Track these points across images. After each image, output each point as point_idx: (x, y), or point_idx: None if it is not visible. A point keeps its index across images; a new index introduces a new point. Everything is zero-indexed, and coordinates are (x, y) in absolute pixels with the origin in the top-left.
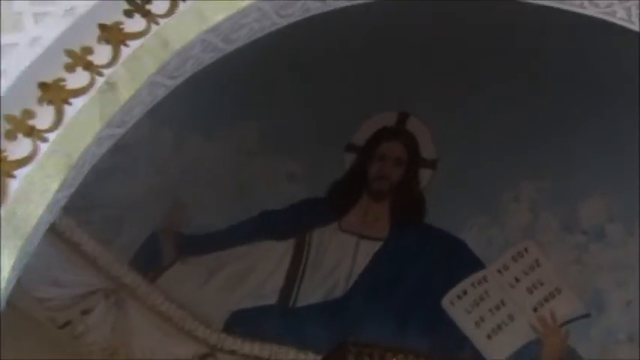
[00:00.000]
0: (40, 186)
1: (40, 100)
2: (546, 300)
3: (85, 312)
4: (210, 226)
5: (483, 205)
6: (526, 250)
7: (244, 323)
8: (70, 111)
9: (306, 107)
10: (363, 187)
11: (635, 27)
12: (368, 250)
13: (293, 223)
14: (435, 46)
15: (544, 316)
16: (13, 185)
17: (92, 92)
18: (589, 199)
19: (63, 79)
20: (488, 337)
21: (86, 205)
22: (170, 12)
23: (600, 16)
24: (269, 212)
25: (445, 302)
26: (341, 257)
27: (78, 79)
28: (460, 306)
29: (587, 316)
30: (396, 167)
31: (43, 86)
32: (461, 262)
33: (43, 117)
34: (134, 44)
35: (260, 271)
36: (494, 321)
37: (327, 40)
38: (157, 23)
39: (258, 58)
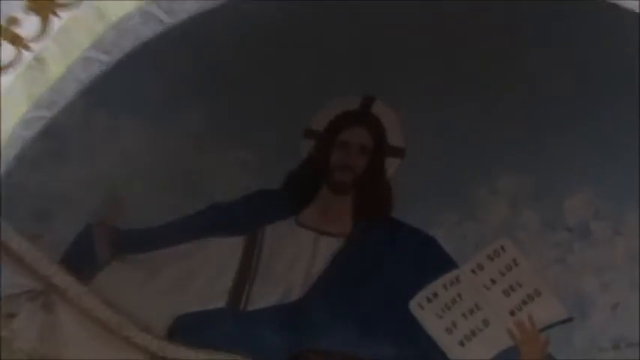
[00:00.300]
0: None
1: None
2: (525, 303)
3: (10, 316)
4: (151, 220)
5: (457, 198)
6: (503, 248)
7: (190, 329)
8: None
9: (260, 89)
10: (323, 177)
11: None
12: (328, 247)
13: (244, 217)
14: (405, 24)
15: (522, 320)
16: None
17: (18, 69)
18: (573, 193)
19: None
20: (461, 343)
21: (11, 195)
22: None
23: None
24: (217, 205)
25: (413, 305)
26: (298, 255)
27: (2, 54)
28: (430, 310)
29: (569, 320)
30: (359, 156)
31: None
32: (431, 261)
33: None
34: (65, 15)
35: (207, 271)
36: (467, 326)
37: (283, 17)
38: None
39: (206, 35)
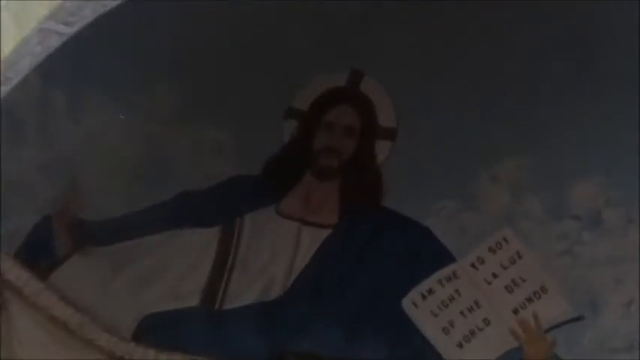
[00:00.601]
0: None
1: None
2: (529, 300)
3: None
4: (117, 210)
5: (454, 185)
6: (505, 239)
7: (159, 330)
8: None
9: (236, 64)
10: (307, 162)
11: None
12: (313, 239)
13: (220, 206)
14: None
15: (526, 319)
16: None
17: None
18: (582, 179)
19: None
20: (459, 345)
21: None
22: None
23: None
24: (189, 193)
25: (407, 303)
26: (279, 248)
27: None
28: (425, 308)
29: (578, 319)
30: (347, 138)
31: None
32: (426, 254)
33: None
34: None
35: (179, 266)
36: (466, 326)
37: None
38: None
39: (178, 7)
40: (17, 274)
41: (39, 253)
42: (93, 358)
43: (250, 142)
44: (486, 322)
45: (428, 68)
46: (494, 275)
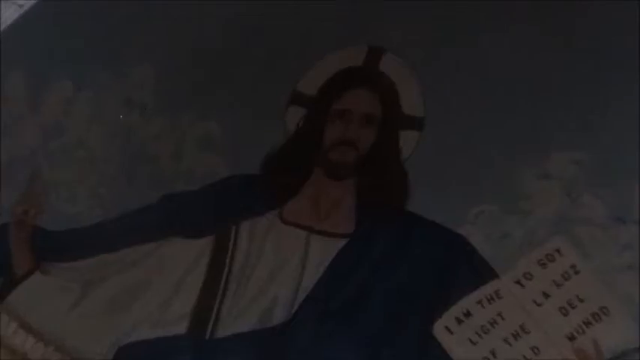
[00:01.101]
0: None
1: None
2: (587, 324)
3: None
4: (86, 218)
5: (495, 185)
6: (558, 251)
7: None
8: None
9: (230, 40)
10: (316, 158)
11: None
12: (324, 251)
13: (211, 212)
14: None
15: (584, 347)
16: None
17: None
18: None
19: None
20: None
21: None
22: None
23: None
24: (174, 197)
25: (438, 329)
26: (283, 263)
27: None
28: (461, 334)
29: None
30: (364, 128)
31: None
32: (462, 269)
33: None
34: None
35: (162, 285)
36: (511, 356)
37: None
38: None
39: None
40: None
41: None
42: None
43: (247, 134)
44: (535, 351)
45: (467, 45)
46: (545, 294)
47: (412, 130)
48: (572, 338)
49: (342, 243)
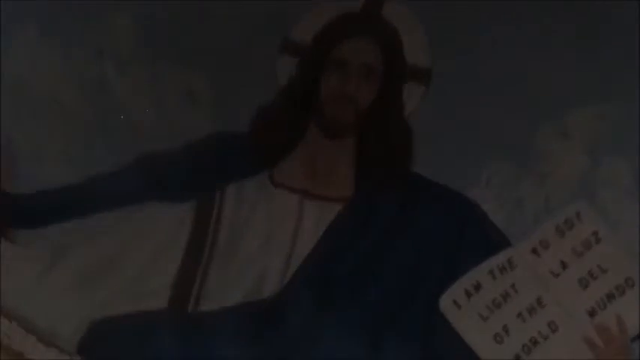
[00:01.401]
0: None
1: None
2: (610, 298)
3: None
4: (55, 179)
5: (508, 143)
6: (578, 217)
7: (113, 340)
8: None
9: None
10: (311, 114)
11: None
12: (320, 217)
13: (194, 174)
14: None
15: (606, 324)
16: None
17: None
18: None
19: None
20: (516, 358)
21: None
22: None
23: None
24: (154, 158)
25: (445, 303)
26: (275, 230)
27: None
28: (470, 309)
29: None
30: (364, 81)
31: None
32: (472, 237)
33: None
34: None
35: (139, 254)
36: (525, 333)
37: None
38: None
39: None
40: None
41: None
42: None
43: (234, 87)
44: (552, 327)
45: None
46: (564, 265)
47: (417, 83)
48: (592, 313)
49: (339, 208)
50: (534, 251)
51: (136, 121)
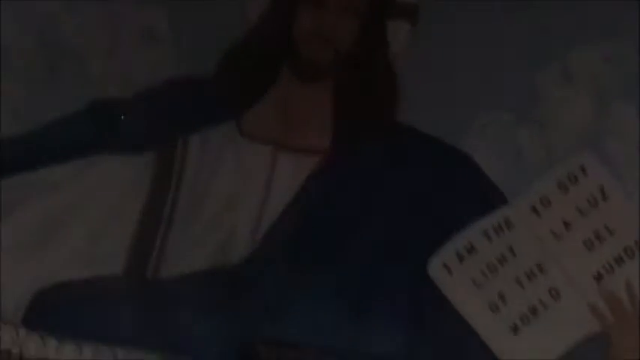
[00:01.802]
0: None
1: None
2: (618, 261)
3: None
4: None
5: (505, 89)
6: (583, 170)
7: (62, 310)
8: None
9: None
10: (284, 55)
11: None
12: (294, 170)
13: (153, 122)
14: None
15: (613, 289)
16: None
17: None
18: None
19: None
20: (513, 329)
21: None
22: None
23: None
24: (106, 103)
25: (434, 267)
26: (244, 185)
27: None
28: (462, 274)
29: None
30: (343, 17)
31: None
32: (463, 192)
33: None
34: None
35: (91, 213)
36: (524, 301)
37: None
38: None
39: None
40: None
41: None
42: None
43: (198, 25)
44: (554, 294)
45: None
46: (567, 224)
47: (404, 20)
48: (599, 278)
49: (316, 160)
50: (534, 209)
51: (88, 64)
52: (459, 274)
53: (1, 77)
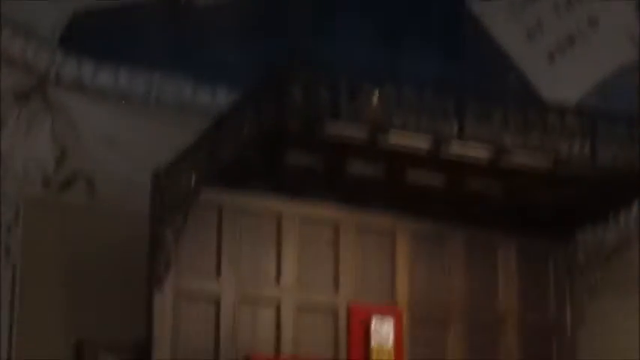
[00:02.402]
0: None
1: None
2: None
3: None
4: None
5: None
6: None
7: (94, 33)
8: None
9: None
10: None
11: None
12: None
13: None
14: None
15: None
16: None
17: None
18: None
19: None
20: (549, 57)
21: None
22: None
23: None
24: None
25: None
26: None
27: None
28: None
29: None
30: None
31: None
32: None
33: None
34: None
35: None
36: (561, 29)
37: None
38: None
39: None
40: None
41: None
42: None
43: None
44: (592, 23)
45: None
46: None
47: None
48: (639, 8)
49: None
50: None
51: None
52: (497, 1)
53: None
